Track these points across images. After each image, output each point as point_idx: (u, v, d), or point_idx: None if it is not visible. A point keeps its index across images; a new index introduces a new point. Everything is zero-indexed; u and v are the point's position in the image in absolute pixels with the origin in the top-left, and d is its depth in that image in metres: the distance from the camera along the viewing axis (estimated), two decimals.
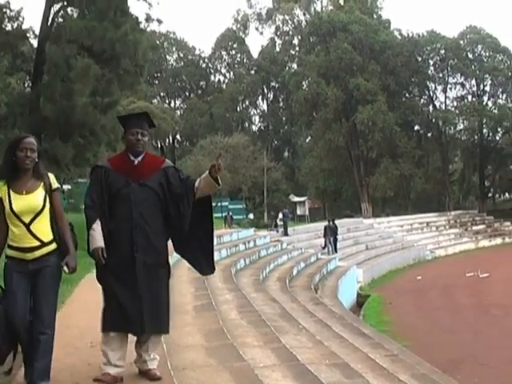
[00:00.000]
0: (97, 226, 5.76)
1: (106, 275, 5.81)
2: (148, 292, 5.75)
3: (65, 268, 5.46)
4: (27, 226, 5.32)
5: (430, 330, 20.31)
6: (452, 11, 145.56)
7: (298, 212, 64.76)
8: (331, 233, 36.86)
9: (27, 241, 5.32)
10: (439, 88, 72.09)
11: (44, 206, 5.40)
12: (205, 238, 6.23)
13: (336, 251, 36.00)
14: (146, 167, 6.06)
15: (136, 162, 6.04)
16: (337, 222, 39.00)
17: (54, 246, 5.43)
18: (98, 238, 5.73)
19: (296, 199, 66.32)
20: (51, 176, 5.63)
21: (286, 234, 40.54)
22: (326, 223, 38.89)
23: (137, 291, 5.71)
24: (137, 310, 5.69)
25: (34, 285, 5.36)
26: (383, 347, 11.27)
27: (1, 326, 5.29)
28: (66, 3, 31.17)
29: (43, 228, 5.40)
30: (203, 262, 6.31)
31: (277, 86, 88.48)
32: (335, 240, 36.87)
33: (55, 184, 5.59)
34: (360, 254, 40.25)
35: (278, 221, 44.94)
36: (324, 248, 36.46)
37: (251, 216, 59.75)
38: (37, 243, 5.34)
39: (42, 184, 5.47)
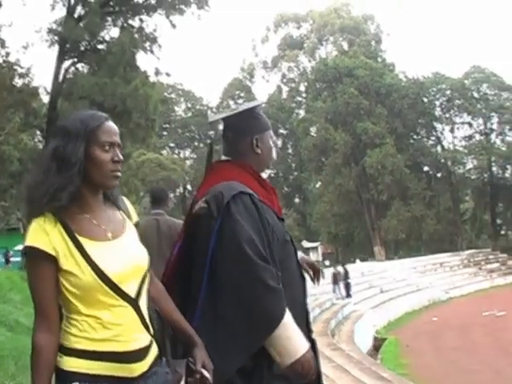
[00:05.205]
0: (289, 320, 2.92)
1: None
2: None
3: (204, 372, 2.59)
4: (135, 302, 2.50)
5: (449, 371, 20.06)
6: (456, 52, 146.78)
7: (312, 258, 64.59)
8: (342, 278, 36.64)
9: (133, 335, 2.48)
10: (446, 128, 72.66)
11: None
12: None
13: (350, 296, 35.85)
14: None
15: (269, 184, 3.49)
16: (350, 266, 38.80)
17: (155, 345, 2.62)
18: (301, 337, 2.97)
19: (308, 245, 66.19)
20: (125, 200, 2.92)
21: None
22: (333, 270, 37.87)
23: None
24: None
25: None
26: None
27: None
28: (76, 60, 31.84)
29: (146, 307, 2.61)
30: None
31: (285, 132, 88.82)
32: (347, 285, 36.68)
33: (135, 216, 2.88)
34: (375, 297, 40.05)
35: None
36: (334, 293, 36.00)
37: None
38: (148, 339, 2.55)
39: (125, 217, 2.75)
